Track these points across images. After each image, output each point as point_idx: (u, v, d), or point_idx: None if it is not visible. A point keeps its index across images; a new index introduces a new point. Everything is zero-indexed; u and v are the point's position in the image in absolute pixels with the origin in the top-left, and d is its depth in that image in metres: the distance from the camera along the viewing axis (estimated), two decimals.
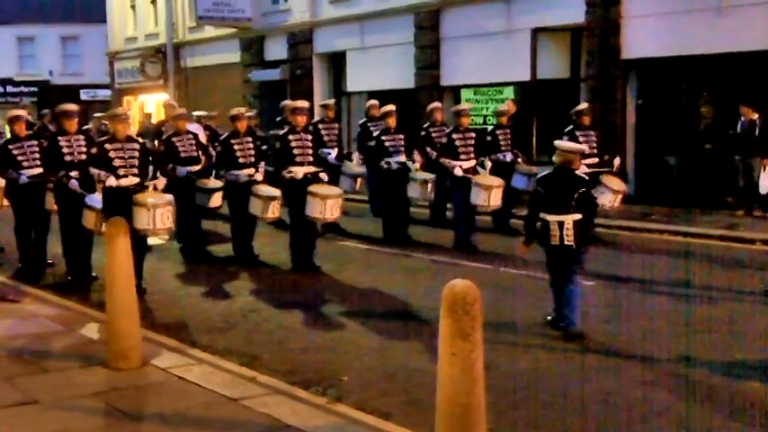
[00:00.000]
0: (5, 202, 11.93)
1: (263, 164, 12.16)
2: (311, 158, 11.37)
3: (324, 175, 11.45)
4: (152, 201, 9.73)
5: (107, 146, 9.93)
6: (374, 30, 22.62)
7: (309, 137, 11.57)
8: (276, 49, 26.35)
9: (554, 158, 8.05)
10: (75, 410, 6.01)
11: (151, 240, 10.42)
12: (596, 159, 12.93)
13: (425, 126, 14.75)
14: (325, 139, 14.61)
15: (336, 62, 24.73)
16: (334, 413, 5.97)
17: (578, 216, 7.79)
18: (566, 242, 7.78)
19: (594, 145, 12.99)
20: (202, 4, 26.28)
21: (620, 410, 6.13)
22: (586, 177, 8.16)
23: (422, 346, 7.70)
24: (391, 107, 13.71)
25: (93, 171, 9.90)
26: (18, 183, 11.09)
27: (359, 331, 8.44)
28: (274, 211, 11.56)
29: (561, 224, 7.78)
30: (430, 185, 13.02)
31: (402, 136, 13.46)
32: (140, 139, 11.01)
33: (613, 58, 17.30)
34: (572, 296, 7.93)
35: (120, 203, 9.57)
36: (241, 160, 11.88)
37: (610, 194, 12.51)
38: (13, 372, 6.88)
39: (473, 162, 12.70)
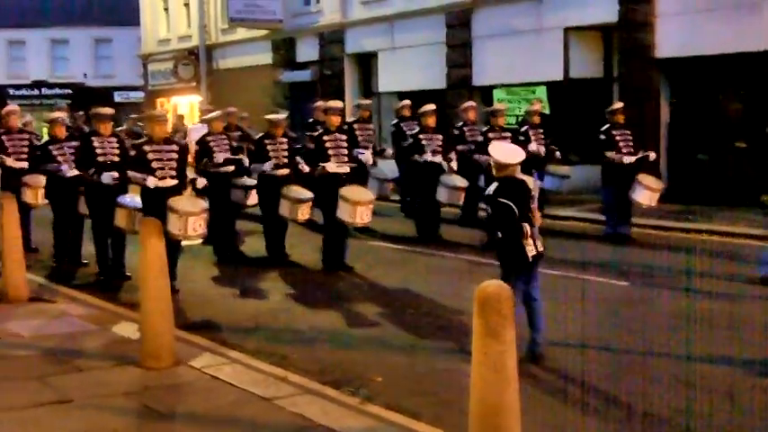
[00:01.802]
0: (43, 200, 12.08)
1: (299, 158, 12.09)
2: (346, 158, 11.38)
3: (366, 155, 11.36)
4: (185, 209, 9.75)
5: (145, 147, 9.99)
6: (405, 30, 22.60)
7: (344, 137, 11.57)
8: (307, 50, 26.41)
9: (495, 173, 7.41)
10: (108, 409, 6.04)
11: (185, 241, 10.46)
12: (633, 158, 12.82)
13: (458, 125, 14.71)
14: (360, 139, 14.60)
15: (367, 62, 24.74)
16: (365, 413, 5.95)
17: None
18: (539, 250, 7.27)
19: (631, 143, 12.91)
20: (234, 6, 26.45)
21: (658, 414, 6.06)
22: (529, 183, 7.41)
23: (452, 346, 7.66)
24: (431, 106, 13.63)
25: (132, 175, 9.95)
26: (58, 181, 11.26)
27: (389, 331, 8.42)
28: (303, 213, 11.55)
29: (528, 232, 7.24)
30: (460, 193, 12.95)
31: (440, 136, 13.42)
32: (179, 141, 11.08)
33: (646, 56, 17.14)
34: (539, 311, 7.42)
35: (158, 204, 9.63)
36: (274, 161, 11.88)
37: (647, 193, 12.41)
38: (46, 371, 6.93)
39: None
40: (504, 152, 7.52)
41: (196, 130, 14.11)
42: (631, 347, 7.62)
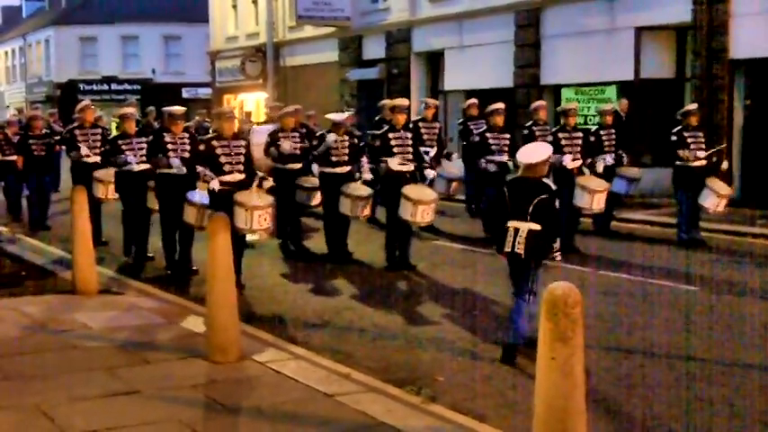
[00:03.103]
0: (113, 195, 12.28)
1: (365, 160, 12.10)
2: (411, 156, 11.36)
3: (430, 172, 11.42)
4: (252, 203, 9.84)
5: (214, 143, 10.10)
6: (473, 28, 22.49)
7: (409, 135, 11.56)
8: (374, 48, 26.44)
9: (520, 172, 7.44)
10: (175, 401, 6.11)
11: (250, 237, 10.54)
12: (704, 162, 12.59)
13: (528, 125, 14.55)
14: (425, 137, 14.54)
15: (434, 61, 24.67)
16: (428, 413, 5.91)
17: (535, 226, 7.16)
18: (516, 250, 7.20)
19: (703, 146, 12.68)
20: (302, 4, 26.59)
21: (722, 418, 5.93)
22: (553, 186, 7.39)
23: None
24: (500, 105, 13.50)
25: (200, 169, 10.08)
26: (127, 175, 11.44)
27: (453, 331, 8.37)
28: (364, 210, 11.56)
29: (516, 231, 7.22)
30: None
31: (507, 135, 13.32)
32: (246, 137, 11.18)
33: (720, 57, 16.80)
34: (515, 310, 7.38)
35: (225, 200, 9.73)
36: (334, 159, 11.89)
37: (714, 197, 12.22)
38: (116, 362, 7.04)
39: (579, 162, 12.46)
40: (527, 152, 7.52)
41: (260, 133, 14.13)
42: (697, 354, 7.45)
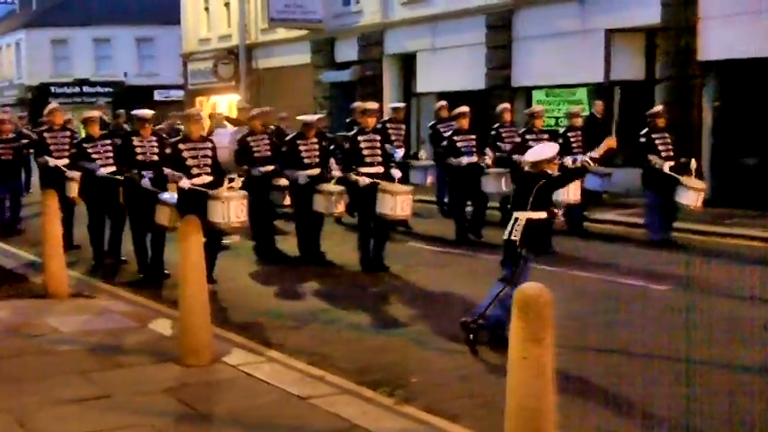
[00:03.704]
0: (80, 199, 12.25)
1: (332, 161, 12.18)
2: (380, 158, 11.40)
3: (396, 172, 11.48)
4: (226, 194, 9.88)
5: (180, 146, 10.11)
6: (445, 31, 22.54)
7: (378, 137, 11.61)
8: (347, 51, 26.45)
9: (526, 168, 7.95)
10: (148, 406, 6.08)
11: (225, 240, 10.54)
12: (672, 162, 12.72)
13: (495, 126, 14.68)
14: (392, 138, 14.67)
15: (407, 63, 24.70)
16: (402, 414, 5.93)
17: (534, 214, 7.60)
18: (512, 237, 7.57)
19: (671, 148, 12.81)
20: (275, 6, 26.55)
21: (693, 417, 5.99)
22: (553, 174, 7.85)
23: (493, 347, 7.61)
24: (465, 108, 13.64)
25: (167, 171, 10.07)
26: (93, 179, 11.40)
27: (427, 332, 8.39)
28: (338, 206, 11.59)
29: (516, 220, 7.63)
30: (504, 179, 12.97)
31: (474, 136, 13.43)
32: (213, 139, 11.17)
33: (690, 59, 16.95)
34: (490, 293, 7.70)
35: (194, 202, 9.72)
36: (306, 161, 11.90)
37: (692, 193, 12.30)
38: (87, 366, 7.01)
39: None
40: (534, 151, 8.00)
41: (222, 135, 14.01)
42: (668, 353, 7.52)
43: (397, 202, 10.93)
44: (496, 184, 13.07)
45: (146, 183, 10.60)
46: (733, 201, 16.12)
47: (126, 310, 9.00)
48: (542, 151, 7.88)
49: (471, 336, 7.66)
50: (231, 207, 9.85)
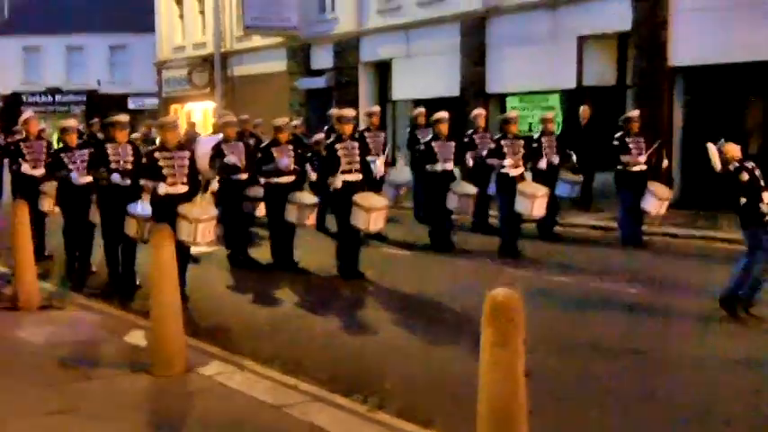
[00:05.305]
0: (56, 210, 12.14)
1: (308, 166, 12.20)
2: (358, 166, 11.37)
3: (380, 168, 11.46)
4: (195, 215, 9.79)
5: (156, 154, 10.02)
6: (420, 38, 22.59)
7: (356, 144, 11.58)
8: (322, 58, 26.45)
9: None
10: (118, 417, 6.02)
11: (195, 250, 10.47)
12: (645, 167, 12.89)
13: (469, 133, 14.71)
14: (371, 146, 14.59)
15: (382, 70, 24.74)
16: (375, 421, 5.91)
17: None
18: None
19: (644, 151, 12.96)
20: (250, 14, 26.51)
21: (663, 410, 6.04)
22: None
23: (466, 352, 7.55)
24: (444, 114, 13.56)
25: (144, 183, 9.99)
26: (69, 188, 11.31)
27: (403, 338, 8.40)
28: (309, 218, 11.67)
29: None
30: (470, 201, 12.93)
31: (453, 143, 13.38)
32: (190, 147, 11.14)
33: (660, 64, 17.09)
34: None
35: (168, 211, 9.64)
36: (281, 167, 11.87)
37: (655, 201, 12.52)
38: (56, 378, 6.93)
39: (521, 170, 12.64)
40: None
41: (205, 143, 13.98)
42: (640, 352, 7.57)
43: (370, 218, 10.94)
44: (461, 204, 12.97)
45: (115, 178, 10.47)
46: (702, 203, 16.21)
47: (97, 321, 8.91)
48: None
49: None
50: (199, 228, 9.74)
